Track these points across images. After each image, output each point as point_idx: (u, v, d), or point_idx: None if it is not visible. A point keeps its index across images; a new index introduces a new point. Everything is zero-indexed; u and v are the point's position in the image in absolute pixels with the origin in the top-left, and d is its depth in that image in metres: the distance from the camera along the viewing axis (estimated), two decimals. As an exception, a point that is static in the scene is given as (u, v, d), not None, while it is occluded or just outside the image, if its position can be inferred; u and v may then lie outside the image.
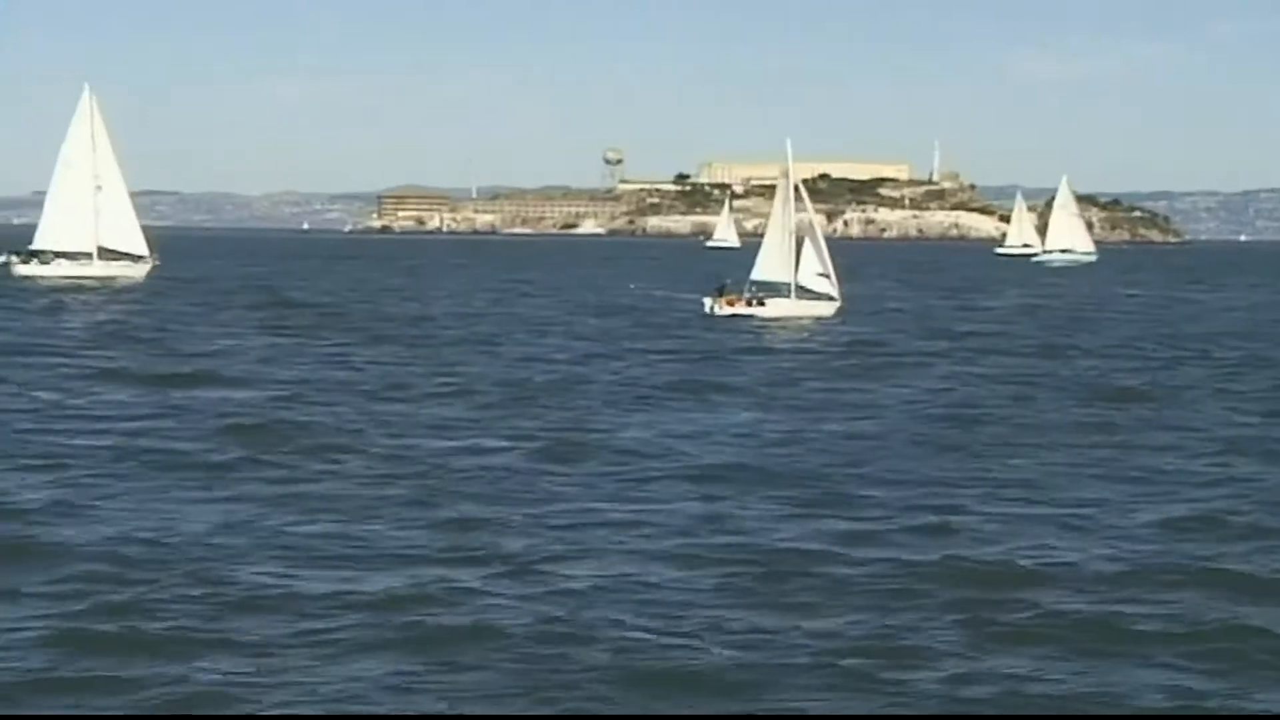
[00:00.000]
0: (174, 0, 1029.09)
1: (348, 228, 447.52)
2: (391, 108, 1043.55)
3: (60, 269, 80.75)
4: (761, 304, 57.77)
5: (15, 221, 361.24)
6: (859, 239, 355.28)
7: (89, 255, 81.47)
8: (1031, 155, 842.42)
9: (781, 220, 62.79)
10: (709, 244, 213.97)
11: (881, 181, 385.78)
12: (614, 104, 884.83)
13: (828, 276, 58.47)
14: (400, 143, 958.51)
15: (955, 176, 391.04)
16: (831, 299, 58.12)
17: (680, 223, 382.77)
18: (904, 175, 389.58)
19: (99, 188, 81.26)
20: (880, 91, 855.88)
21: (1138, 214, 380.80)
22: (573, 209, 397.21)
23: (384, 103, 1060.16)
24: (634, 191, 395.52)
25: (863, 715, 11.87)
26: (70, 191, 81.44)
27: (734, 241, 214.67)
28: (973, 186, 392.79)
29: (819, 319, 56.26)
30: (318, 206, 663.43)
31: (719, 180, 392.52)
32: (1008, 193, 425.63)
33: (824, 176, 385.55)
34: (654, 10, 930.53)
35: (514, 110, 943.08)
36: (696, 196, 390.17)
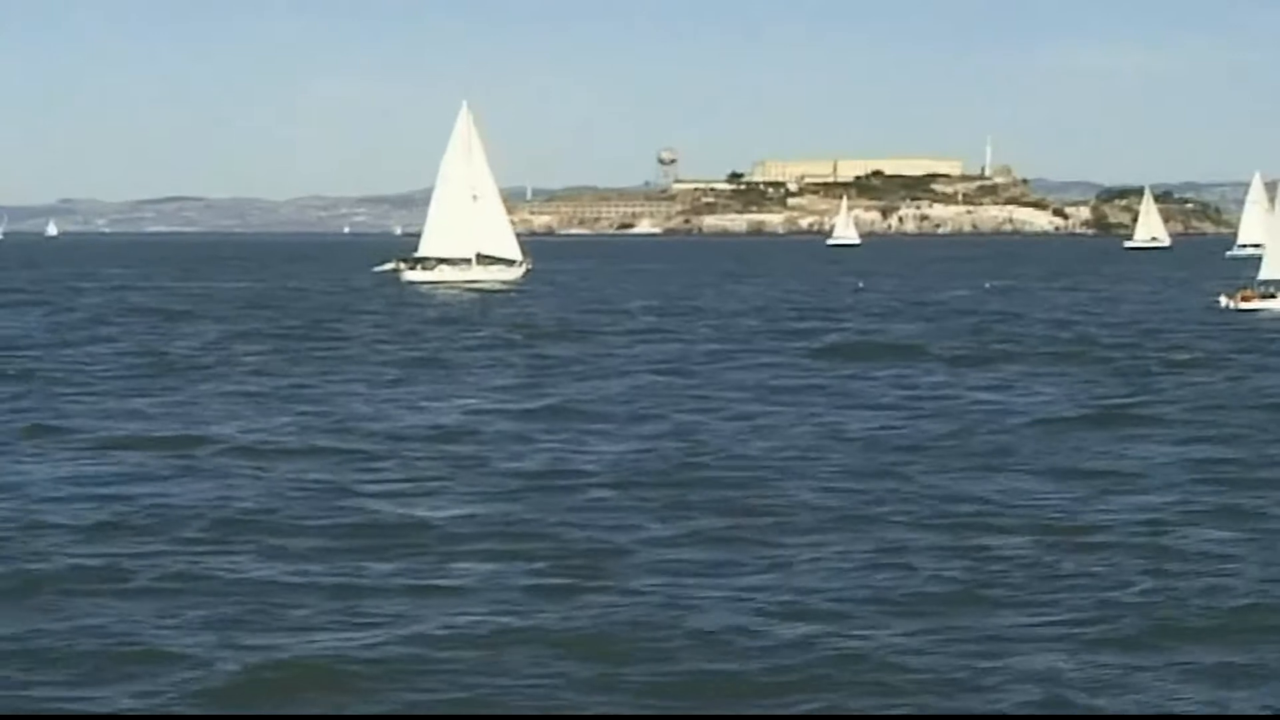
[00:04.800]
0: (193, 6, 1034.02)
1: (399, 230, 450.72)
2: (416, 109, 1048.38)
3: (442, 274, 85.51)
4: (1274, 297, 62.53)
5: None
6: (914, 235, 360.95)
7: (468, 261, 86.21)
8: (1056, 150, 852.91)
9: (1284, 219, 66.98)
10: (831, 242, 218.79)
11: (934, 178, 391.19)
12: (666, 104, 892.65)
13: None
14: (424, 144, 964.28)
15: (1008, 171, 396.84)
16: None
17: (736, 221, 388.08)
18: (956, 171, 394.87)
19: (475, 197, 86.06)
20: (930, 88, 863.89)
21: (1190, 206, 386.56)
22: (629, 209, 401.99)
23: (409, 104, 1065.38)
24: (689, 191, 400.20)
25: (864, 715, 11.99)
26: (449, 201, 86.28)
27: (854, 239, 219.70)
28: (1025, 181, 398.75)
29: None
30: (344, 210, 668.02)
31: (772, 179, 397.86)
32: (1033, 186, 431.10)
33: (877, 173, 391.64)
34: (704, 10, 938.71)
35: (558, 112, 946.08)
36: (751, 195, 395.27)
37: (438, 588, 15.62)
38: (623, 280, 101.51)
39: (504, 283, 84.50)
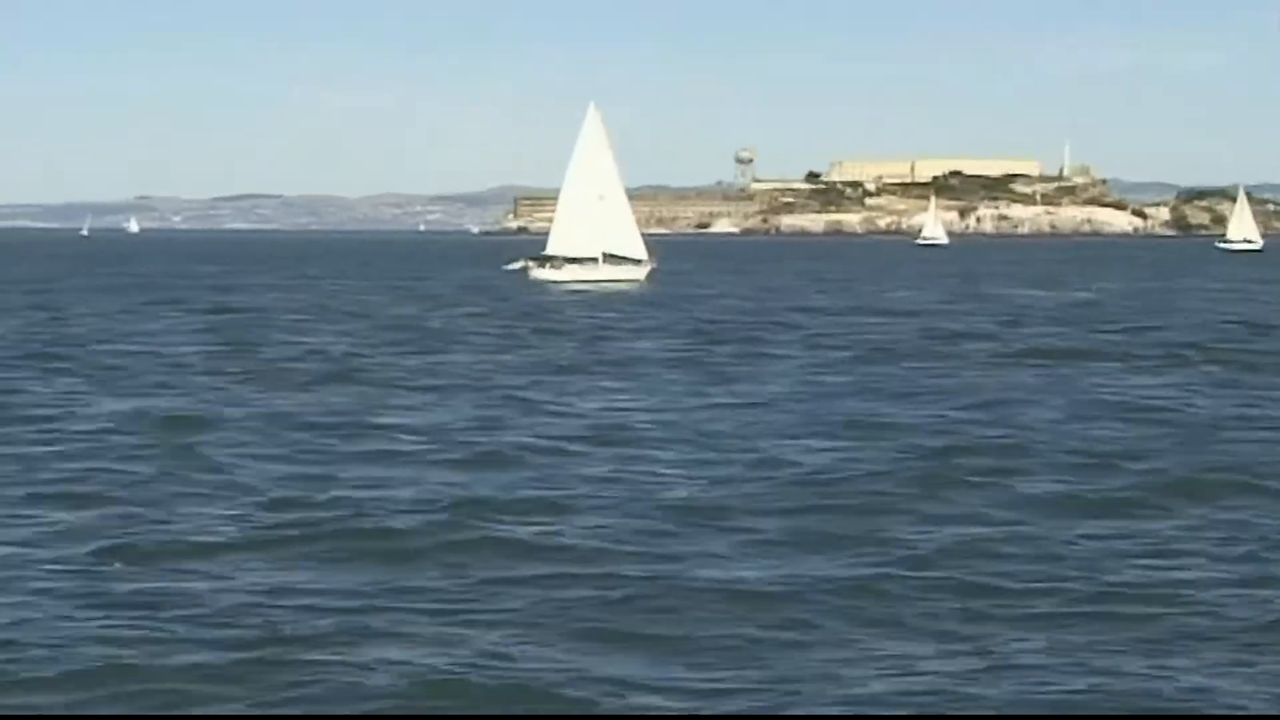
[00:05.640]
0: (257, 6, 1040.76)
1: (476, 229, 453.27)
2: (484, 110, 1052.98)
3: (569, 273, 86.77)
4: None
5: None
6: (992, 235, 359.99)
7: (594, 260, 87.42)
8: (1131, 150, 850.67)
9: None
10: (919, 241, 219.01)
11: (1013, 178, 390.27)
12: (743, 103, 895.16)
13: None
14: (495, 143, 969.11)
15: (1086, 171, 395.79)
16: None
17: (814, 221, 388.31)
18: (1035, 171, 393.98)
19: (601, 197, 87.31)
20: (1006, 87, 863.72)
21: (1270, 206, 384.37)
22: (706, 209, 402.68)
23: (477, 105, 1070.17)
24: (767, 191, 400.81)
25: (866, 715, 11.94)
26: (576, 201, 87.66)
27: (943, 238, 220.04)
28: (1104, 181, 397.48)
29: None
30: (418, 208, 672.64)
31: (850, 179, 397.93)
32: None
33: (955, 173, 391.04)
34: (781, 10, 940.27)
35: (633, 112, 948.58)
36: (830, 195, 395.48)
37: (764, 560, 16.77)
38: (739, 280, 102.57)
39: (631, 282, 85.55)
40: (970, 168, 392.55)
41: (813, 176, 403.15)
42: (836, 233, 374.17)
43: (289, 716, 11.60)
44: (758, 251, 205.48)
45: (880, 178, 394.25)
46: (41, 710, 11.78)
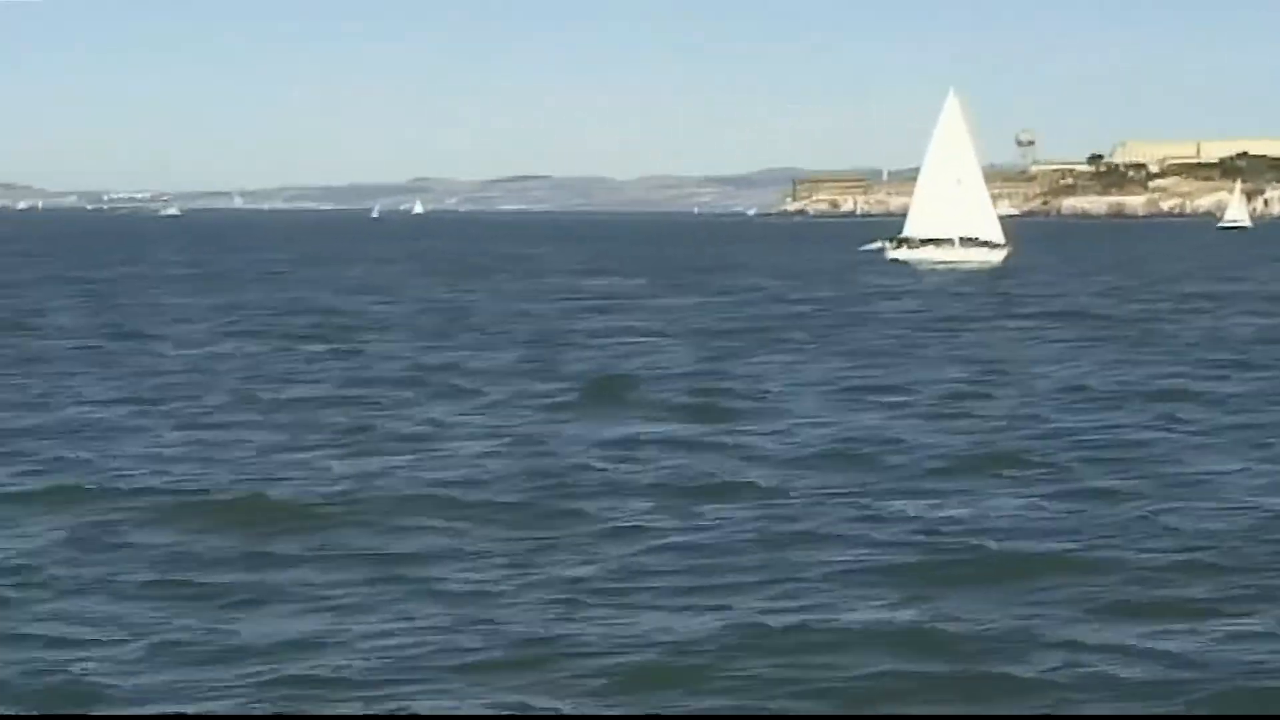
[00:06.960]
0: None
1: (752, 211, 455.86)
2: (756, 90, 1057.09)
3: (925, 254, 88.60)
4: None
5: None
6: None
7: (950, 242, 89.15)
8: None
9: None
10: (1222, 225, 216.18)
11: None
12: (1025, 84, 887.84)
13: None
14: (765, 126, 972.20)
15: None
16: None
17: (1096, 203, 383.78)
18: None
19: (959, 181, 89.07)
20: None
21: None
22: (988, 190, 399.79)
23: (750, 85, 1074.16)
24: (1048, 173, 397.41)
25: (862, 715, 11.96)
26: (934, 185, 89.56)
27: (1246, 220, 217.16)
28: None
29: None
30: (689, 190, 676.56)
31: (1133, 160, 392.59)
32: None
33: (1243, 154, 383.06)
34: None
35: (910, 94, 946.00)
36: (1112, 177, 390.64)
37: None
38: (1085, 263, 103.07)
39: (988, 265, 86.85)
40: (1257, 148, 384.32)
41: (1095, 159, 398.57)
42: (1118, 215, 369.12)
43: (289, 716, 11.56)
44: (1053, 231, 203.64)
45: (1164, 159, 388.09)
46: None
